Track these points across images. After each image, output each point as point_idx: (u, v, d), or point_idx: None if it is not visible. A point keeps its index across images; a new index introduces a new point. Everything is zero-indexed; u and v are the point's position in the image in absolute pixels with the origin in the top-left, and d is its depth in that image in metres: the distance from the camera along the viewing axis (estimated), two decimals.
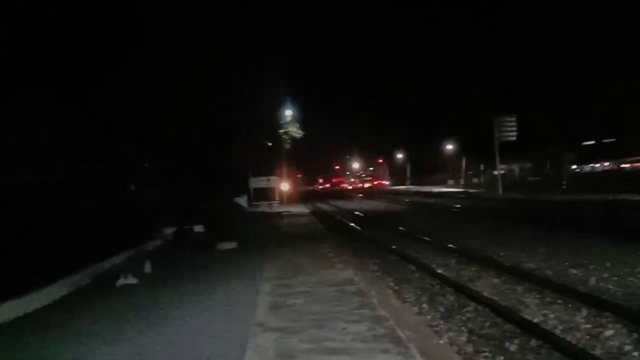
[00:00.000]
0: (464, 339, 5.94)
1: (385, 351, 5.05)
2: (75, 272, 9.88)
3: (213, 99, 20.99)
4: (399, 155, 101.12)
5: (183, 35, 19.69)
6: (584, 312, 6.57)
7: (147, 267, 10.65)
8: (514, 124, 40.35)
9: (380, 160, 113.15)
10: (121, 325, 6.62)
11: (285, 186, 41.13)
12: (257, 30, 23.98)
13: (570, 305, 6.92)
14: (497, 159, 41.81)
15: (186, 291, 8.60)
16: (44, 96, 13.96)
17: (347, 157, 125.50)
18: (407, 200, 42.20)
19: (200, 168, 20.10)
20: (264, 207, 35.14)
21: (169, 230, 16.90)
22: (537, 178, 47.02)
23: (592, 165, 65.10)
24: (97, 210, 13.40)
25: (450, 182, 73.35)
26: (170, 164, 18.80)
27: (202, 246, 14.51)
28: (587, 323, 6.15)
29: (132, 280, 9.59)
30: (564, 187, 38.51)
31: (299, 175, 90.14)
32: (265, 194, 37.94)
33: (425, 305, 7.56)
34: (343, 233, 18.09)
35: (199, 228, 17.00)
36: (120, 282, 9.49)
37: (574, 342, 5.50)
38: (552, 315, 6.53)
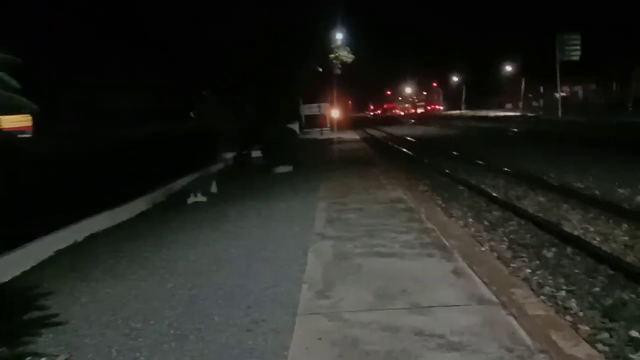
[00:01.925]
0: (504, 247, 6.49)
1: (430, 255, 5.69)
2: (150, 191, 11.03)
3: (272, 28, 21.17)
4: (454, 78, 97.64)
5: None
6: (624, 226, 6.91)
7: (213, 187, 11.64)
8: (578, 41, 38.01)
9: (434, 84, 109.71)
10: (197, 234, 7.60)
11: (335, 113, 41.30)
12: None
13: (611, 220, 7.26)
14: (558, 80, 40.00)
15: (250, 207, 9.51)
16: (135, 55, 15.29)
17: (400, 80, 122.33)
18: (461, 125, 41.61)
19: (257, 96, 20.76)
20: (315, 133, 35.76)
21: (229, 155, 17.95)
22: (602, 100, 44.76)
23: None
24: (165, 135, 14.38)
25: (508, 105, 70.99)
26: (230, 92, 19.56)
27: (261, 169, 15.44)
28: (624, 235, 6.52)
29: (201, 198, 10.62)
30: (630, 109, 36.68)
31: (350, 102, 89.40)
32: (316, 121, 38.37)
33: (470, 220, 8.10)
34: (394, 158, 18.54)
35: (256, 153, 17.90)
36: (191, 199, 10.54)
37: (608, 251, 5.92)
38: (592, 229, 6.92)
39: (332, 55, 34.71)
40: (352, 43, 36.21)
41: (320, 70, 34.34)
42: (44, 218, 7.21)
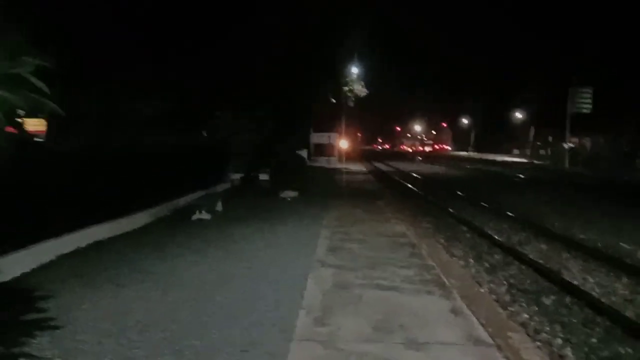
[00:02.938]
0: (503, 290, 6.50)
1: (429, 292, 5.71)
2: (155, 205, 11.12)
3: (290, 59, 21.66)
4: (464, 121, 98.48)
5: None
6: (624, 280, 6.91)
7: (219, 206, 11.73)
8: (590, 95, 38.47)
9: (444, 124, 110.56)
10: (202, 251, 7.65)
11: (344, 144, 41.66)
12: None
13: (612, 273, 7.26)
14: (568, 131, 40.31)
15: (254, 229, 9.57)
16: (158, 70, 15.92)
17: (410, 118, 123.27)
18: (468, 166, 41.75)
19: (270, 120, 21.06)
20: (322, 162, 36.00)
21: (237, 176, 18.10)
22: (610, 154, 44.92)
23: None
24: (175, 150, 14.56)
25: (516, 151, 71.28)
26: (243, 114, 19.86)
27: (267, 193, 15.55)
28: (624, 289, 6.52)
29: (205, 215, 10.70)
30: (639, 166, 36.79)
31: (359, 134, 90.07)
32: (325, 150, 38.69)
33: (471, 261, 8.12)
34: (399, 193, 18.63)
35: (264, 176, 18.05)
36: (196, 216, 10.62)
37: (607, 303, 5.92)
38: (591, 280, 6.94)
39: (346, 88, 35.29)
40: (367, 77, 36.84)
41: (334, 101, 34.85)
42: (46, 222, 7.30)
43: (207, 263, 6.89)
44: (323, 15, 23.66)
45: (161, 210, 11.29)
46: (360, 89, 35.01)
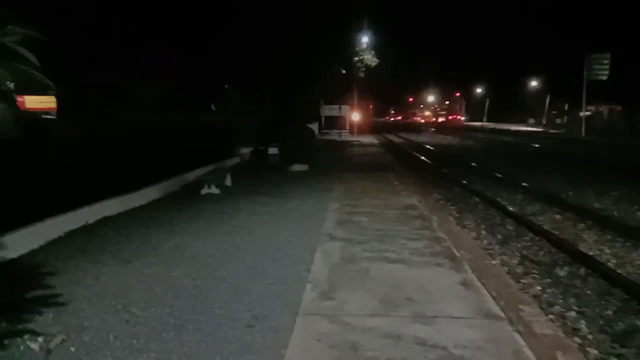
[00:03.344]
0: (515, 261, 6.34)
1: (439, 265, 5.58)
2: (165, 180, 11.07)
3: (298, 29, 21.24)
4: (478, 90, 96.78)
5: None
6: None
7: (228, 180, 11.65)
8: (607, 62, 37.30)
9: (457, 94, 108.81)
10: (208, 225, 7.59)
11: (356, 116, 41.22)
12: None
13: (629, 243, 7.05)
14: (584, 99, 39.34)
15: (262, 203, 9.48)
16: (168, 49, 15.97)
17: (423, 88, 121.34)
18: (482, 137, 41.16)
19: (279, 93, 20.83)
20: (334, 135, 35.72)
21: (246, 150, 17.99)
22: (628, 122, 43.90)
23: None
24: (184, 126, 14.49)
25: (531, 121, 70.11)
26: (252, 86, 19.67)
27: (276, 166, 15.44)
28: None
29: (214, 190, 10.63)
30: None
31: (371, 106, 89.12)
32: (336, 123, 38.35)
33: (483, 232, 7.95)
34: (411, 165, 18.39)
35: (273, 150, 17.91)
36: (205, 190, 10.55)
37: (623, 274, 5.74)
38: (608, 251, 6.74)
39: (356, 58, 34.67)
40: (378, 47, 36.12)
41: (344, 72, 34.32)
42: (57, 198, 7.28)
43: (213, 237, 6.82)
44: None
45: (171, 184, 11.25)
46: (371, 59, 34.38)
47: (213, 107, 19.81)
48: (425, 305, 4.39)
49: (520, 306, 4.55)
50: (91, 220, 7.78)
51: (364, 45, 34.31)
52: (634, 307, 4.82)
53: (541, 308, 4.66)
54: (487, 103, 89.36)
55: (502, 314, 4.24)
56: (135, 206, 9.24)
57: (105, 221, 7.93)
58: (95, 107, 21.36)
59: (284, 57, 20.83)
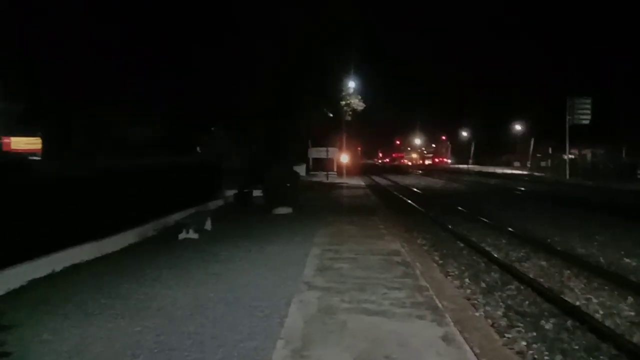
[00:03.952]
0: (500, 313, 6.08)
1: (420, 317, 5.31)
2: (142, 224, 10.76)
3: (287, 74, 21.50)
4: (464, 133, 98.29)
5: (266, 21, 20.59)
6: (630, 300, 6.50)
7: (208, 224, 11.37)
8: (589, 106, 38.16)
9: (444, 137, 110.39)
10: (182, 273, 7.27)
11: (344, 158, 41.38)
12: (337, 12, 24.22)
13: (616, 292, 6.85)
14: (567, 142, 39.96)
15: (242, 248, 9.19)
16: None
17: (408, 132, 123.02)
18: (468, 179, 41.36)
19: (265, 136, 20.83)
20: (321, 177, 35.68)
21: (230, 193, 17.75)
22: (610, 165, 44.50)
23: None
24: (168, 168, 14.27)
25: (516, 164, 70.90)
26: (238, 130, 19.65)
27: (260, 209, 15.18)
28: (630, 310, 6.11)
29: (193, 235, 10.32)
30: (639, 176, 36.38)
31: (359, 148, 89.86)
32: (324, 165, 38.42)
33: (467, 280, 7.71)
34: (397, 208, 18.24)
35: (257, 192, 17.69)
36: (182, 235, 10.25)
37: (612, 327, 5.51)
38: (595, 300, 6.52)
39: (343, 102, 35.11)
40: (364, 91, 36.70)
41: (331, 115, 34.66)
42: (25, 244, 6.95)
43: (185, 287, 6.50)
44: (317, 32, 23.58)
45: (148, 229, 10.94)
46: (357, 103, 34.82)
47: (198, 149, 19.67)
48: None
49: None
50: (59, 268, 7.44)
51: (351, 90, 34.82)
52: None
53: None
54: (473, 146, 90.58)
55: None
56: (109, 252, 8.92)
57: (75, 269, 7.59)
58: (81, 148, 21.18)
59: (270, 99, 20.95)
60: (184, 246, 9.53)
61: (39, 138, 27.07)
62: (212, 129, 21.46)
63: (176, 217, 12.25)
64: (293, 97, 22.82)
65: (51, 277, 7.03)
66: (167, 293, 6.22)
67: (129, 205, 10.77)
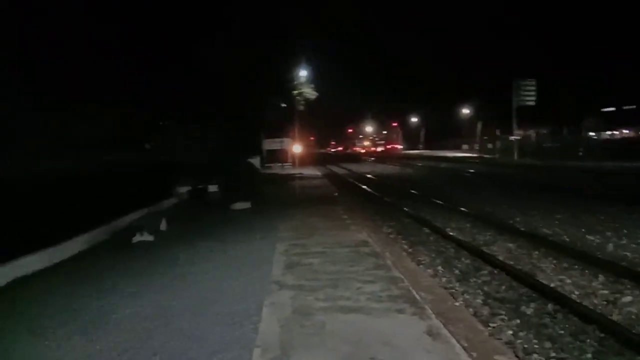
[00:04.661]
0: (479, 301, 5.94)
1: (400, 311, 5.07)
2: (92, 228, 10.05)
3: (237, 67, 20.80)
4: (414, 119, 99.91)
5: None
6: (601, 278, 6.52)
7: (163, 225, 10.76)
8: (534, 87, 39.39)
9: (394, 124, 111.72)
10: (139, 280, 6.73)
11: (297, 148, 41.00)
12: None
13: (587, 271, 6.87)
14: (514, 123, 41.16)
15: (202, 248, 8.70)
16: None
17: (361, 119, 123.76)
18: (420, 164, 41.95)
19: (218, 129, 20.13)
20: (276, 168, 35.19)
21: (184, 190, 17.03)
22: (554, 144, 46.29)
23: (611, 132, 63.82)
24: (116, 167, 13.51)
25: (465, 147, 72.70)
26: (190, 125, 18.87)
27: (217, 205, 14.62)
28: (604, 289, 6.11)
29: (148, 237, 9.71)
30: (581, 153, 37.98)
31: (312, 138, 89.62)
32: (278, 156, 37.90)
33: (440, 268, 7.56)
34: (356, 196, 18.08)
35: (213, 188, 17.08)
36: (137, 238, 9.62)
37: (591, 307, 5.46)
38: (568, 281, 6.49)
39: (295, 92, 34.65)
40: (316, 79, 36.36)
41: (284, 105, 34.16)
42: None
43: (145, 295, 5.99)
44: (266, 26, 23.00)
45: (99, 234, 10.23)
46: (310, 92, 34.45)
47: (147, 146, 18.76)
48: None
49: (496, 357, 4.10)
50: (4, 282, 6.73)
51: (303, 79, 34.38)
52: (612, 347, 4.48)
53: (518, 358, 4.22)
54: (423, 131, 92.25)
55: None
56: (58, 261, 8.21)
57: (23, 281, 6.90)
58: (26, 147, 19.80)
59: (223, 92, 20.24)
60: (140, 250, 8.92)
61: None
62: (162, 123, 20.54)
63: (128, 218, 11.54)
64: (245, 90, 22.17)
65: None
66: (126, 304, 5.70)
67: (77, 209, 10.05)
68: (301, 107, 35.88)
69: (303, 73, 34.25)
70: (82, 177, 10.83)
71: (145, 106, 17.77)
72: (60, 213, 10.06)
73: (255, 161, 34.39)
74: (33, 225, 8.80)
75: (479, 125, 63.77)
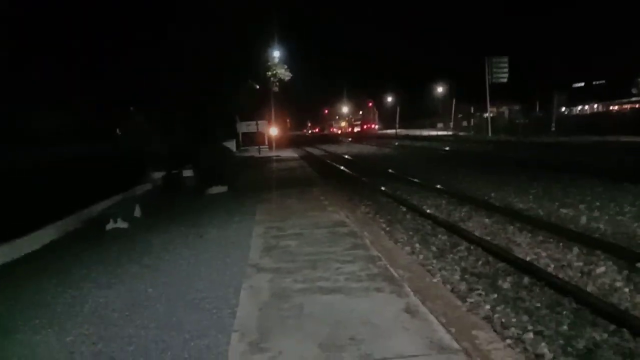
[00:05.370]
0: (457, 277, 5.98)
1: (379, 290, 5.05)
2: (63, 217, 9.77)
3: (203, 44, 20.24)
4: (389, 99, 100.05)
5: None
6: (575, 250, 6.62)
7: (137, 211, 10.53)
8: (506, 64, 39.78)
9: (370, 104, 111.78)
10: (113, 268, 6.57)
11: (274, 131, 40.68)
12: None
13: (561, 244, 6.97)
14: (488, 101, 41.63)
15: (178, 234, 8.54)
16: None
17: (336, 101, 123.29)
18: (396, 143, 42.15)
19: (189, 113, 19.68)
20: (252, 151, 34.90)
21: (158, 175, 16.71)
22: (526, 120, 47.08)
23: (581, 107, 65.07)
24: (84, 156, 13.12)
25: (440, 125, 73.30)
26: (159, 109, 18.39)
27: (192, 190, 14.40)
28: (578, 261, 6.21)
29: (122, 224, 9.49)
30: (553, 129, 38.66)
31: (288, 120, 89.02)
32: (254, 139, 37.55)
33: (417, 245, 7.59)
34: (333, 177, 18.05)
35: (188, 172, 16.79)
36: (110, 226, 9.39)
37: (566, 279, 5.55)
38: (544, 254, 6.58)
39: (269, 73, 34.15)
40: (290, 61, 35.90)
41: (257, 87, 33.66)
42: None
43: (118, 284, 5.84)
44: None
45: (70, 222, 9.95)
46: (284, 73, 34.01)
47: (118, 132, 18.28)
48: (372, 344, 3.82)
49: (474, 332, 4.11)
50: None
51: (276, 60, 33.90)
52: (587, 318, 4.55)
53: (495, 332, 4.24)
54: (398, 110, 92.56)
55: (456, 345, 3.78)
56: (27, 252, 7.95)
57: None
58: None
59: (192, 75, 19.75)
60: (113, 237, 8.71)
61: None
62: (131, 109, 20.00)
63: (101, 206, 11.27)
64: (214, 72, 21.65)
65: None
66: (99, 293, 5.54)
67: (45, 198, 9.72)
68: (275, 89, 35.46)
69: (276, 54, 33.78)
70: (50, 168, 10.45)
71: (112, 92, 17.25)
72: (31, 204, 9.74)
73: (231, 144, 33.97)
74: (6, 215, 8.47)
75: (453, 104, 64.29)
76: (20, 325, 4.74)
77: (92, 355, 3.97)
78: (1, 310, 5.22)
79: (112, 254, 7.38)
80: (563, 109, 56.00)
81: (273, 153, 34.25)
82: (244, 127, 37.44)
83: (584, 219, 8.36)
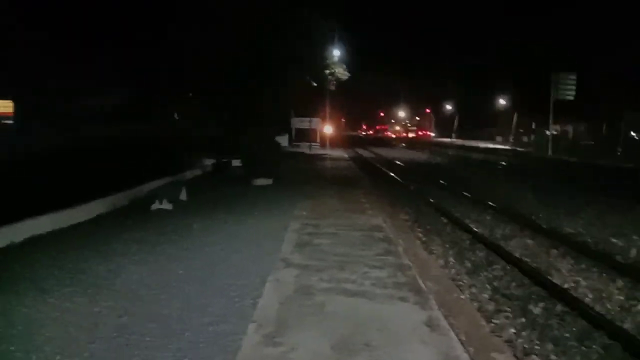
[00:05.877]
0: (486, 296, 5.81)
1: (403, 299, 4.99)
2: (113, 193, 10.24)
3: (263, 35, 20.57)
4: (448, 107, 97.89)
5: None
6: (619, 283, 6.27)
7: (183, 194, 10.88)
8: (574, 81, 37.91)
9: (428, 110, 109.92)
10: (151, 247, 6.83)
11: (327, 129, 40.80)
12: None
13: (604, 274, 6.63)
14: (551, 117, 39.91)
15: (218, 220, 8.77)
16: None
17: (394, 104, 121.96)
18: (451, 153, 41.28)
19: (245, 104, 20.08)
20: (304, 148, 35.15)
21: (209, 162, 17.19)
22: (591, 141, 44.72)
23: None
24: (142, 137, 13.71)
25: (499, 138, 71.05)
26: (217, 98, 18.88)
27: (239, 180, 14.71)
28: (620, 294, 5.88)
29: (166, 205, 9.85)
30: (619, 153, 36.64)
31: (342, 119, 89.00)
32: (307, 135, 37.78)
33: (452, 260, 7.42)
34: (380, 181, 17.92)
35: (237, 162, 17.16)
36: (155, 206, 9.76)
37: (602, 311, 5.27)
38: (584, 283, 6.28)
39: (327, 71, 34.26)
40: (349, 61, 35.89)
41: (315, 84, 33.85)
42: None
43: (153, 262, 6.08)
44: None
45: (120, 199, 10.42)
46: (342, 72, 34.03)
47: (176, 116, 18.96)
48: (386, 353, 3.79)
49: (493, 354, 4.01)
50: (19, 239, 6.94)
51: (335, 58, 33.97)
52: (617, 355, 4.31)
53: (516, 357, 4.10)
54: (456, 120, 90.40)
55: None
56: (76, 222, 8.41)
57: (35, 241, 7.09)
58: (55, 114, 20.31)
59: (249, 66, 20.10)
60: (156, 217, 9.06)
61: (10, 101, 25.93)
62: (190, 94, 20.65)
63: (151, 186, 11.73)
64: (271, 62, 21.88)
65: (9, 250, 6.54)
66: (134, 269, 5.79)
67: (104, 174, 10.25)
68: (332, 88, 35.54)
69: (336, 52, 33.82)
70: (106, 148, 11.02)
71: (168, 79, 17.92)
72: (87, 180, 10.28)
73: (284, 139, 34.37)
74: (59, 189, 9.00)
75: (515, 117, 62.09)
76: (55, 290, 5.02)
77: (114, 328, 4.16)
78: (43, 274, 5.56)
79: (153, 234, 7.68)
80: (634, 133, 52.88)
81: (324, 151, 34.38)
82: (297, 122, 37.72)
83: (634, 252, 7.90)
